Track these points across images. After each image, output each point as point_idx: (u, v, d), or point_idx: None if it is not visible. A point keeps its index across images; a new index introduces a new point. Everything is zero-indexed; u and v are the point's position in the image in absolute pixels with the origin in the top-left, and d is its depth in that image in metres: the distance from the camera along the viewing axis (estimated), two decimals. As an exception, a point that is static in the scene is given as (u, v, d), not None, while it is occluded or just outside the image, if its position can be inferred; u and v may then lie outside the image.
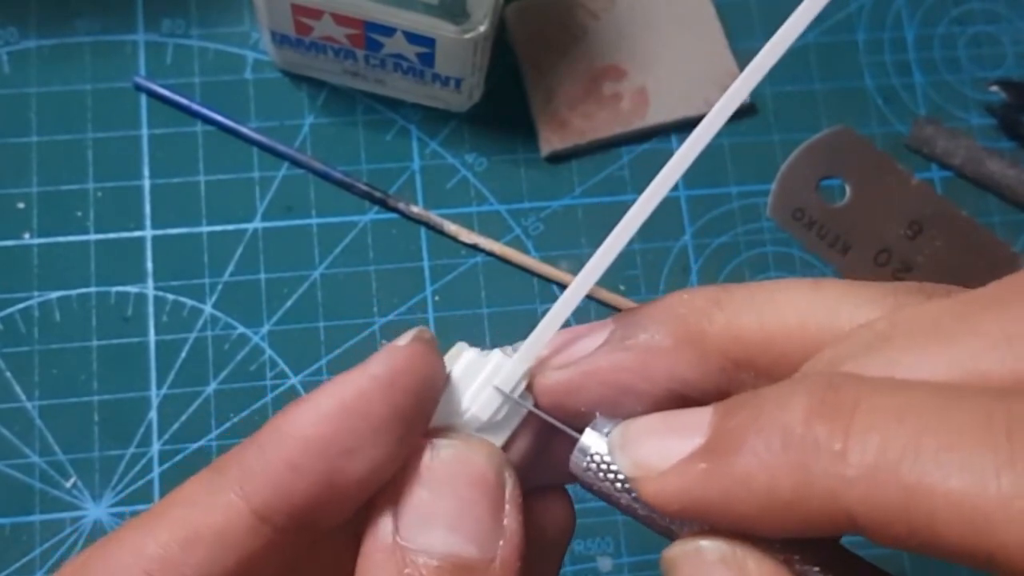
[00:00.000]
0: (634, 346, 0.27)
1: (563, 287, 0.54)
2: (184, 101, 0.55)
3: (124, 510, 0.49)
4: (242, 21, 0.57)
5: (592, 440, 0.26)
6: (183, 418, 0.50)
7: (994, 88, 0.59)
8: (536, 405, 0.28)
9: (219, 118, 0.54)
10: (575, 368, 0.28)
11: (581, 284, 0.28)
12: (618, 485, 0.25)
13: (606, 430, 0.26)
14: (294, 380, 0.51)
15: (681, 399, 0.26)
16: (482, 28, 0.49)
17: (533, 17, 0.57)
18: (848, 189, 0.56)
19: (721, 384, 0.26)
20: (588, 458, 0.26)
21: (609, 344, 0.28)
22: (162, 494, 0.49)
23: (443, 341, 0.52)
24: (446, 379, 0.29)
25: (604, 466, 0.25)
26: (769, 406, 0.22)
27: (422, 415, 0.27)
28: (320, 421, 0.25)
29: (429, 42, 0.50)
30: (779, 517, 0.21)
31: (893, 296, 0.24)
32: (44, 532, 0.49)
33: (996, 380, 0.20)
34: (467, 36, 0.49)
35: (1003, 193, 0.57)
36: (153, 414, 0.50)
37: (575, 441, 0.26)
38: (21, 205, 0.53)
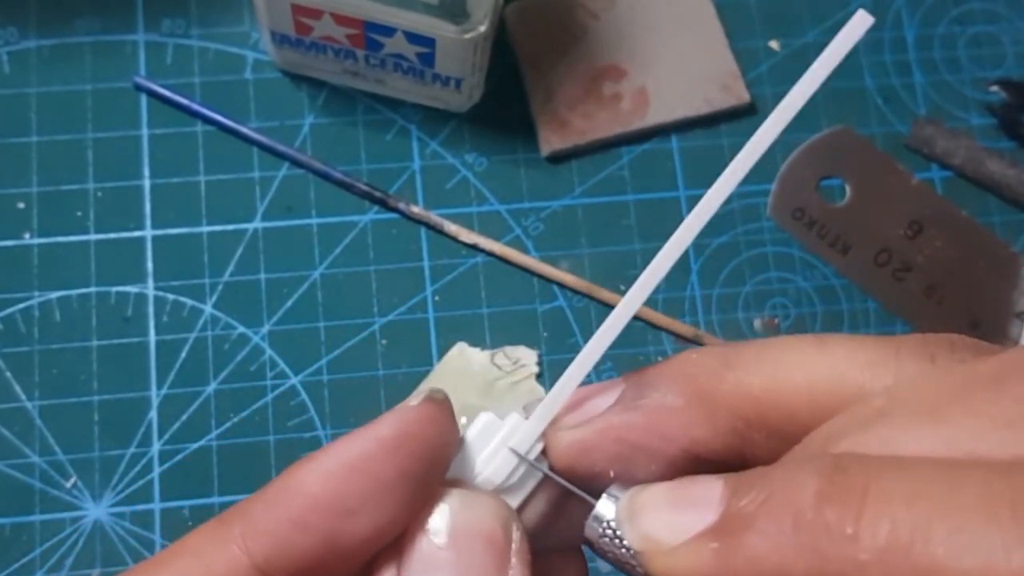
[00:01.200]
0: (646, 406, 0.27)
1: (563, 287, 0.54)
2: (184, 101, 0.55)
3: (124, 510, 0.49)
4: (242, 21, 0.57)
5: (607, 508, 0.26)
6: (183, 418, 0.50)
7: (994, 88, 0.59)
8: (551, 468, 0.28)
9: (219, 118, 0.54)
10: (588, 427, 0.28)
11: (605, 334, 0.28)
12: (632, 556, 0.25)
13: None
14: (294, 380, 0.51)
15: (694, 459, 0.26)
16: (482, 28, 0.49)
17: (533, 17, 0.57)
18: (848, 189, 0.56)
19: (733, 444, 0.26)
20: (603, 526, 0.26)
21: (621, 403, 0.28)
22: (162, 494, 0.49)
23: (443, 341, 0.53)
24: (459, 441, 0.28)
25: (619, 535, 0.25)
26: (779, 486, 0.22)
27: (431, 477, 0.27)
28: (325, 480, 0.25)
29: (429, 42, 0.50)
30: None
31: (896, 358, 0.25)
32: (44, 532, 0.49)
33: (995, 462, 0.21)
34: (467, 36, 0.49)
35: (1003, 193, 0.57)
36: (153, 414, 0.50)
37: (591, 507, 0.26)
38: (21, 205, 0.53)
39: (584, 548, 0.30)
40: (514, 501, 0.28)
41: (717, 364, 0.27)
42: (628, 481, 0.26)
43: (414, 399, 0.27)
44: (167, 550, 0.26)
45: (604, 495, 0.26)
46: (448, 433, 0.27)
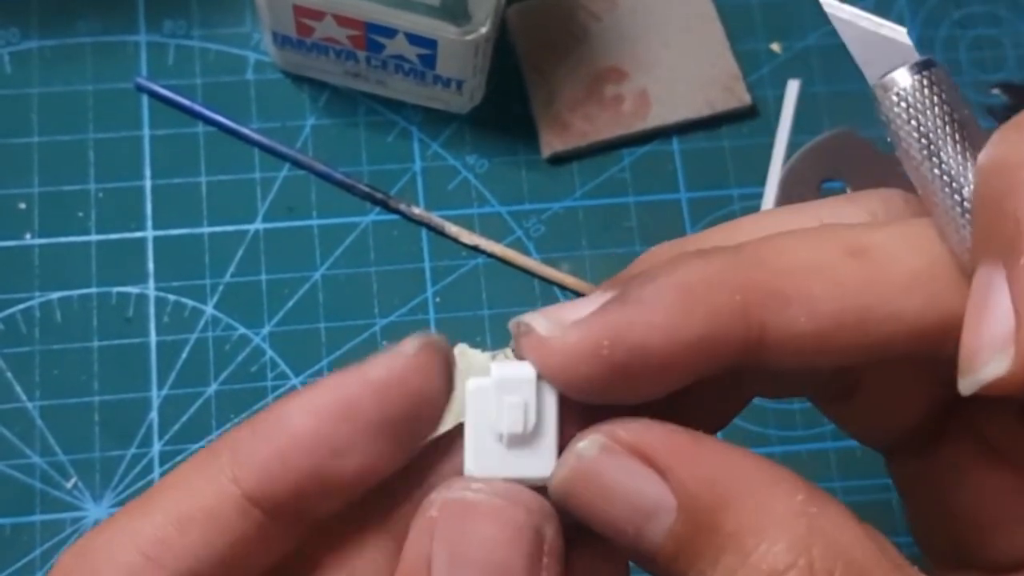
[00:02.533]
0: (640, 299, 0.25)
1: (564, 289, 0.54)
2: (185, 102, 0.55)
3: (125, 511, 0.49)
4: (244, 22, 0.57)
5: (904, 79, 0.24)
6: (184, 419, 0.50)
7: (996, 91, 0.59)
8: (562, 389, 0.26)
9: (220, 119, 0.54)
10: (588, 322, 0.25)
11: None
12: (919, 134, 0.24)
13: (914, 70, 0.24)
14: (295, 381, 0.51)
15: (712, 347, 0.25)
16: (483, 30, 0.49)
17: (535, 19, 0.57)
18: (849, 191, 0.56)
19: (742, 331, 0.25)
20: (895, 96, 0.25)
21: (610, 303, 0.25)
22: (163, 495, 0.49)
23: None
24: (450, 397, 0.27)
25: (909, 112, 0.24)
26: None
27: (418, 427, 0.26)
28: (309, 418, 0.25)
29: (431, 43, 0.50)
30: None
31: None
32: (44, 532, 0.49)
33: None
34: (468, 38, 0.49)
35: (1004, 196, 0.57)
36: (154, 415, 0.50)
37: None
38: (22, 205, 0.53)
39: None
40: (544, 455, 0.26)
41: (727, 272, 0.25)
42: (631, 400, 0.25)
43: (411, 343, 0.26)
44: (156, 484, 0.26)
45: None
46: (439, 385, 0.26)
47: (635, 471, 0.24)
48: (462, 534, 0.25)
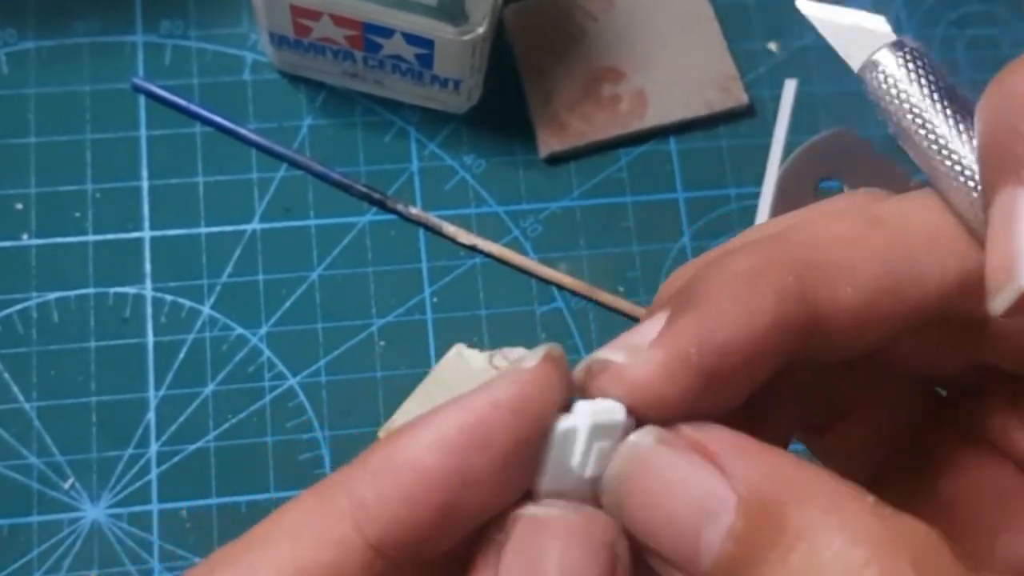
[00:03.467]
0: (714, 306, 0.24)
1: (561, 288, 0.54)
2: (182, 102, 0.54)
3: (122, 511, 0.49)
4: (241, 22, 0.57)
5: (885, 58, 0.24)
6: (181, 419, 0.50)
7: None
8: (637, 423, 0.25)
9: (217, 119, 0.54)
10: (653, 355, 0.24)
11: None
12: (908, 107, 0.24)
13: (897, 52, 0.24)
14: (292, 381, 0.51)
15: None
16: (480, 30, 0.49)
17: (532, 19, 0.57)
18: (847, 191, 0.56)
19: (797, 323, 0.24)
20: (880, 75, 0.24)
21: (682, 307, 0.24)
22: (160, 495, 0.49)
23: (441, 342, 0.53)
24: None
25: (896, 88, 0.24)
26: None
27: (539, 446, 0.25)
28: (438, 452, 0.23)
29: (428, 43, 0.50)
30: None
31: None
32: (42, 533, 0.49)
33: None
34: (466, 38, 0.49)
35: (1001, 195, 0.57)
36: (151, 415, 0.50)
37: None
38: (19, 206, 0.53)
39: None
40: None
41: (790, 278, 0.24)
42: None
43: (532, 358, 0.24)
44: (260, 531, 0.24)
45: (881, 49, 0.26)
46: (563, 394, 0.25)
47: (694, 463, 0.23)
48: (534, 554, 0.23)
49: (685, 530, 0.22)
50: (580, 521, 0.24)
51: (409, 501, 0.23)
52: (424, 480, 0.23)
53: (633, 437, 0.24)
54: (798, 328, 0.24)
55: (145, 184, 0.54)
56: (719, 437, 0.23)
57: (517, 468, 0.24)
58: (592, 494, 0.24)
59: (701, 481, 0.23)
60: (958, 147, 0.25)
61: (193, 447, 0.50)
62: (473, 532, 0.24)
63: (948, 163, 0.25)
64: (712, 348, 0.23)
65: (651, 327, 0.24)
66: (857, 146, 0.57)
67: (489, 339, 0.53)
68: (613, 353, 0.24)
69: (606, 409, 0.24)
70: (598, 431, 0.24)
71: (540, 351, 0.24)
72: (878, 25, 0.26)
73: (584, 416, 0.24)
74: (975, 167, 0.25)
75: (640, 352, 0.24)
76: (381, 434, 0.50)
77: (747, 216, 0.56)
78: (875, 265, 0.24)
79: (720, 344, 0.23)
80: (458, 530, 0.24)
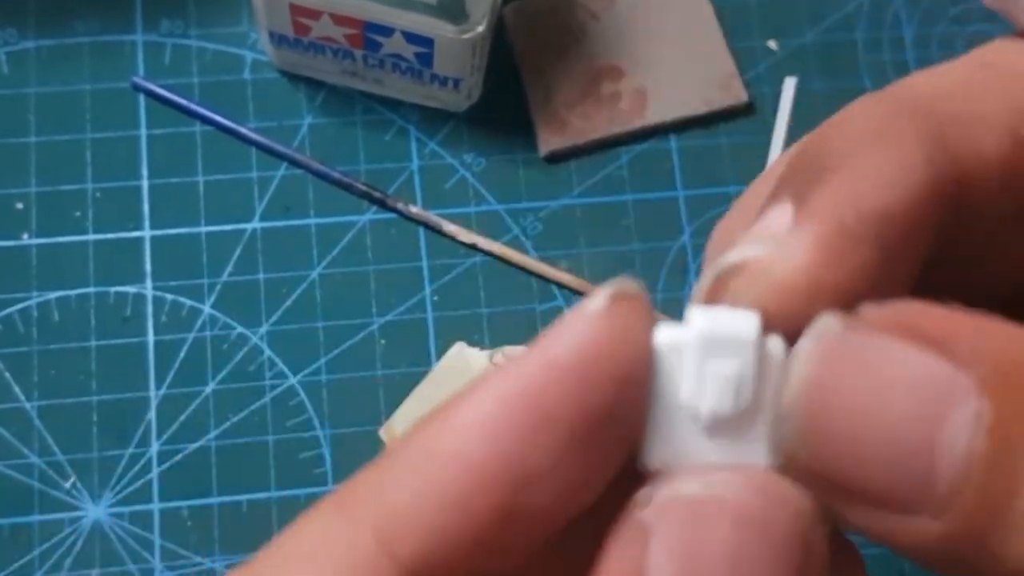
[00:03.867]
0: (851, 179, 0.18)
1: (562, 287, 0.54)
2: (182, 101, 0.54)
3: (123, 510, 0.49)
4: (240, 21, 0.57)
5: None
6: (182, 418, 0.50)
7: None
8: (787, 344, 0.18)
9: (217, 118, 0.54)
10: (815, 208, 0.18)
11: None
12: None
13: None
14: (293, 380, 0.51)
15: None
16: (480, 28, 0.49)
17: (532, 17, 0.57)
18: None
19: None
20: None
21: (804, 212, 0.19)
22: (161, 495, 0.49)
23: (442, 341, 0.53)
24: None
25: None
26: None
27: (629, 416, 0.18)
28: (485, 440, 0.18)
29: (428, 42, 0.50)
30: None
31: None
32: (43, 533, 0.49)
33: None
34: (465, 36, 0.49)
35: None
36: (152, 414, 0.50)
37: None
38: (20, 205, 0.53)
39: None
40: (759, 444, 0.18)
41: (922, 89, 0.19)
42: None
43: (597, 299, 0.18)
44: (272, 552, 0.19)
45: None
46: (648, 343, 0.18)
47: (915, 350, 0.16)
48: (697, 546, 0.17)
49: (913, 444, 0.16)
50: (763, 504, 0.17)
51: (454, 505, 0.18)
52: (472, 476, 0.18)
53: (816, 326, 0.17)
54: (951, 187, 0.19)
55: (145, 183, 0.54)
56: (932, 315, 0.17)
57: (596, 448, 0.18)
58: (714, 445, 0.18)
59: (931, 372, 0.16)
60: None
61: (194, 446, 0.50)
62: (555, 534, 0.19)
63: None
64: (874, 212, 0.18)
65: (777, 216, 0.19)
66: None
67: (490, 338, 0.53)
68: (747, 250, 0.19)
69: (727, 316, 0.18)
70: (716, 346, 0.18)
71: (607, 289, 0.18)
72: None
73: (695, 326, 0.18)
74: None
75: (782, 240, 0.18)
76: (382, 433, 0.50)
77: (747, 214, 0.56)
78: (1006, 111, 0.19)
79: (883, 206, 0.18)
80: (523, 539, 0.18)
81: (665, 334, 0.18)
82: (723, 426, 0.18)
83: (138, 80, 0.55)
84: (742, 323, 0.18)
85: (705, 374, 0.18)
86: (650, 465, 0.19)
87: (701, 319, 0.18)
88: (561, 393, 0.17)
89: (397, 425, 0.49)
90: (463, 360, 0.52)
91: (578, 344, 0.18)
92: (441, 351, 0.52)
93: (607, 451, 0.18)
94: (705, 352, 0.18)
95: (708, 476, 0.18)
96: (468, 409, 0.18)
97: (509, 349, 0.52)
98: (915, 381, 0.16)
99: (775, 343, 0.18)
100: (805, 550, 0.17)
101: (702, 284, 0.19)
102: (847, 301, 0.17)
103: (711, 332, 0.18)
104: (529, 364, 0.18)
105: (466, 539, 0.18)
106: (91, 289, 0.52)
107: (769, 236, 0.18)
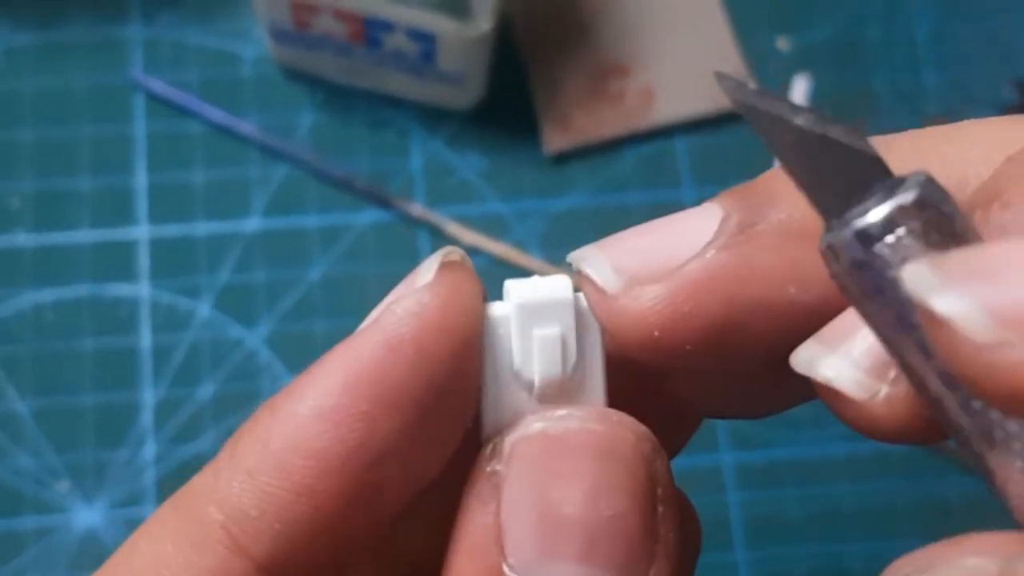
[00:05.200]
0: (765, 233, 0.18)
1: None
2: (181, 98, 0.54)
3: (117, 514, 0.48)
4: (241, 17, 0.56)
5: (908, 209, 0.15)
6: (178, 421, 0.50)
7: (1009, 87, 0.58)
8: (607, 349, 0.19)
9: (216, 115, 0.54)
10: (678, 278, 0.19)
11: None
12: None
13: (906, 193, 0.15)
14: (291, 383, 0.51)
15: (839, 306, 0.18)
16: (484, 25, 0.48)
17: (537, 13, 0.56)
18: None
19: None
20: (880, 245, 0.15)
21: (724, 235, 0.19)
22: (157, 497, 0.48)
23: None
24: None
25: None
26: None
27: (469, 382, 0.19)
28: (329, 425, 0.18)
29: (430, 39, 0.49)
30: None
31: None
32: (36, 535, 0.48)
33: None
34: (469, 33, 0.48)
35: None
36: (148, 416, 0.50)
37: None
38: (15, 203, 0.52)
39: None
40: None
41: None
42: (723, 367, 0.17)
43: (427, 269, 0.19)
44: (118, 562, 0.18)
45: (907, 189, 0.16)
46: (479, 309, 0.19)
47: None
48: (550, 481, 0.17)
49: None
50: (607, 431, 0.18)
51: (299, 500, 0.17)
52: (316, 468, 0.17)
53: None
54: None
55: (143, 181, 0.53)
56: None
57: (444, 415, 0.18)
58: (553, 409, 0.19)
59: None
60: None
61: (191, 449, 0.49)
62: (406, 507, 0.19)
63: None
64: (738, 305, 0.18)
65: (693, 235, 0.19)
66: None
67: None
68: (594, 266, 0.19)
69: (541, 284, 0.20)
70: (534, 312, 0.19)
71: (435, 259, 0.19)
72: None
73: (513, 297, 0.19)
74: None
75: (627, 282, 0.19)
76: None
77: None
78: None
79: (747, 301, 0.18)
80: (374, 518, 0.18)
81: (493, 308, 0.20)
82: (555, 389, 0.19)
83: (136, 76, 0.54)
84: (556, 286, 0.19)
85: (531, 341, 0.19)
86: (489, 427, 0.19)
87: (517, 290, 0.19)
88: (400, 371, 0.18)
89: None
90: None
91: (413, 319, 0.18)
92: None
93: (450, 421, 0.18)
94: (527, 320, 0.19)
95: (550, 414, 0.18)
96: (308, 396, 0.18)
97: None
98: None
99: (591, 319, 0.19)
100: (651, 470, 0.18)
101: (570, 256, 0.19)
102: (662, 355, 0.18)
103: (530, 300, 0.19)
104: (366, 344, 0.18)
105: (317, 527, 0.17)
106: (87, 289, 0.51)
107: (632, 267, 0.19)
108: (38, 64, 0.54)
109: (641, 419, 0.19)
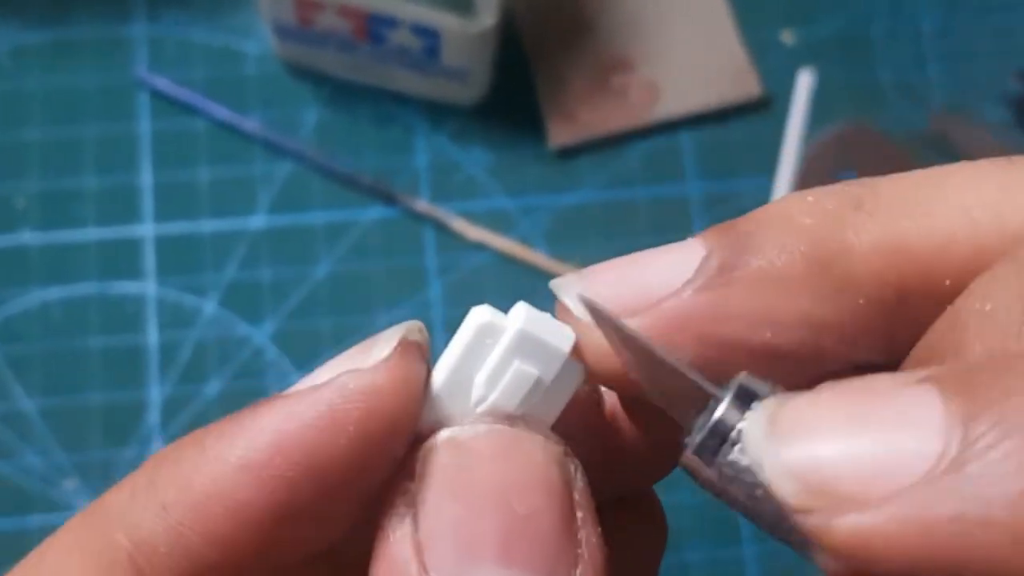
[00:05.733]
0: (744, 278, 0.18)
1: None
2: (186, 96, 0.54)
3: (125, 512, 0.48)
4: (245, 14, 0.56)
5: (732, 416, 0.16)
6: (185, 418, 0.50)
7: (1014, 79, 0.58)
8: (586, 380, 0.20)
9: (221, 113, 0.54)
10: (653, 315, 0.18)
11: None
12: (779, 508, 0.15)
13: (755, 403, 0.16)
14: (297, 379, 0.51)
15: (817, 353, 0.18)
16: (489, 20, 0.48)
17: (541, 8, 0.56)
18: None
19: (874, 326, 0.18)
20: (726, 451, 0.16)
21: (704, 276, 0.19)
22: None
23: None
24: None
25: (754, 472, 0.15)
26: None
27: (399, 446, 0.19)
28: (254, 482, 0.18)
29: (434, 35, 0.49)
30: None
31: None
32: (44, 534, 0.48)
33: None
34: (473, 29, 0.48)
35: None
36: (155, 414, 0.50)
37: (688, 421, 0.16)
38: (21, 202, 0.52)
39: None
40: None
41: (845, 207, 0.18)
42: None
43: (384, 344, 0.19)
44: (23, 568, 0.19)
45: (724, 398, 0.16)
46: (421, 390, 0.19)
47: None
48: (462, 486, 0.18)
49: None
50: (514, 435, 0.18)
51: (214, 545, 0.18)
52: (239, 519, 0.17)
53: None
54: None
55: (149, 179, 0.53)
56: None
57: (367, 480, 0.18)
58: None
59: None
60: None
61: (197, 446, 0.49)
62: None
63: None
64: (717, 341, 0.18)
65: (674, 271, 0.19)
66: (874, 139, 0.56)
67: (498, 336, 0.52)
68: (570, 295, 0.19)
69: (549, 324, 0.19)
70: (526, 347, 0.19)
71: (396, 333, 0.19)
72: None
73: (519, 320, 0.19)
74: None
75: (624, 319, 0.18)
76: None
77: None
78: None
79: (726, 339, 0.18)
80: (291, 562, 0.19)
81: (489, 313, 0.19)
82: (498, 414, 0.19)
83: (141, 74, 0.54)
84: (560, 336, 0.19)
85: (508, 367, 0.19)
86: (424, 424, 0.19)
87: (526, 317, 0.19)
88: (336, 447, 0.18)
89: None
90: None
91: (361, 400, 0.18)
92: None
93: (369, 486, 0.18)
94: (517, 348, 0.19)
95: (460, 425, 0.19)
96: (238, 445, 0.18)
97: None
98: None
99: (576, 366, 0.19)
100: (564, 472, 0.18)
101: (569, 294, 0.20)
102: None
103: (531, 332, 0.19)
104: (309, 410, 0.18)
105: (223, 573, 0.18)
106: (93, 287, 0.51)
107: (636, 300, 0.19)
108: (43, 63, 0.54)
109: (615, 451, 0.20)
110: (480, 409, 0.19)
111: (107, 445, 0.49)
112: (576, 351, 0.19)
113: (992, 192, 0.17)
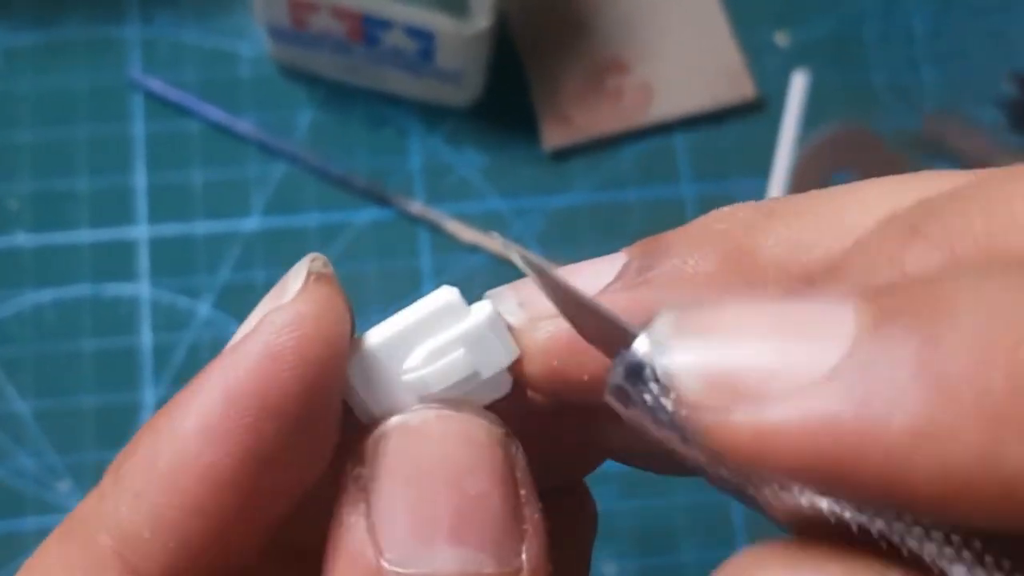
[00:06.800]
0: (659, 278, 0.19)
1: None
2: (180, 97, 0.54)
3: (119, 514, 0.48)
4: (239, 16, 0.56)
5: (644, 347, 0.16)
6: (179, 420, 0.50)
7: (1010, 82, 0.58)
8: (519, 378, 0.21)
9: (215, 114, 0.54)
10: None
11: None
12: (687, 417, 0.15)
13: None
14: (292, 381, 0.51)
15: None
16: (482, 22, 0.48)
17: (535, 11, 0.56)
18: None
19: None
20: (643, 374, 0.16)
21: (623, 279, 0.20)
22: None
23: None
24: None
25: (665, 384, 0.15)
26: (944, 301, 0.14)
27: (338, 386, 0.20)
28: (214, 440, 0.18)
29: (428, 36, 0.49)
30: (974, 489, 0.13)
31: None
32: (37, 537, 0.48)
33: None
34: (467, 30, 0.48)
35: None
36: (148, 416, 0.50)
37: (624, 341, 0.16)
38: (14, 204, 0.52)
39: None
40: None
41: (757, 215, 0.19)
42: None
43: (294, 280, 0.20)
44: None
45: (641, 332, 0.16)
46: (348, 313, 0.20)
47: None
48: (415, 469, 0.19)
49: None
50: (463, 419, 0.19)
51: (191, 516, 0.18)
52: (211, 481, 0.18)
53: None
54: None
55: (142, 181, 0.53)
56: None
57: (321, 419, 0.19)
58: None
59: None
60: None
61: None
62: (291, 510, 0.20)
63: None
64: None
65: (598, 277, 0.20)
66: (868, 141, 0.56)
67: (492, 338, 0.52)
68: (504, 302, 0.21)
69: (505, 336, 0.20)
70: (480, 342, 0.20)
71: (300, 270, 0.20)
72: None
73: (482, 313, 0.21)
74: None
75: (531, 317, 0.20)
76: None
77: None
78: None
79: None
80: (273, 516, 0.19)
81: (457, 297, 0.21)
82: (419, 389, 0.20)
83: (134, 76, 0.54)
84: (508, 348, 0.20)
85: (452, 351, 0.20)
86: (365, 416, 0.20)
87: (489, 315, 0.21)
88: (283, 380, 0.18)
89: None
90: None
91: (292, 329, 0.18)
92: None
93: (328, 421, 0.19)
94: (469, 338, 0.20)
95: (406, 412, 0.20)
96: (191, 413, 0.18)
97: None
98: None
99: (507, 380, 0.20)
100: (508, 454, 0.19)
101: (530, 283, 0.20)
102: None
103: (488, 331, 0.20)
104: (248, 355, 0.18)
105: (210, 540, 0.18)
106: (86, 289, 0.51)
107: (536, 303, 0.20)
108: (36, 64, 0.54)
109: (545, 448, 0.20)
110: (405, 378, 0.20)
111: (101, 447, 0.49)
112: (514, 367, 0.21)
113: (897, 195, 0.17)
